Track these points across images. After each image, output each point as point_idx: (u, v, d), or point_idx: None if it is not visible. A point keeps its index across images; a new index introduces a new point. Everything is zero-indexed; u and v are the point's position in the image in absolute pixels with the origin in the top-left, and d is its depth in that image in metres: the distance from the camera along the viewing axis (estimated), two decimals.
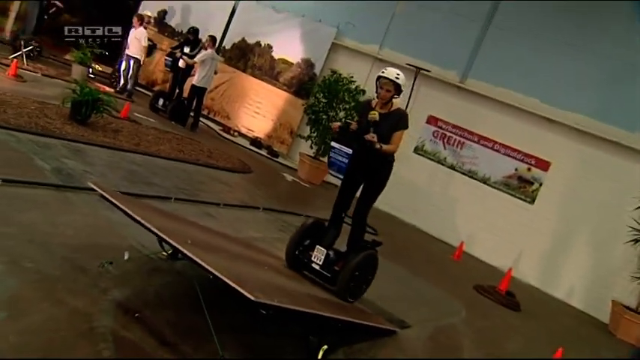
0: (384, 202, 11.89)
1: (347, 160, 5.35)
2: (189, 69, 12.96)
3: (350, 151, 5.34)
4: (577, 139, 10.78)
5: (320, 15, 13.97)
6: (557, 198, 10.91)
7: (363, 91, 12.39)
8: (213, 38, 13.14)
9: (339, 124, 5.57)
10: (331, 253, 5.53)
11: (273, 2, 14.81)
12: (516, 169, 11.32)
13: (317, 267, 5.49)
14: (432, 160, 12.25)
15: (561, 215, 10.82)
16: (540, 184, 11.08)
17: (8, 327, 3.23)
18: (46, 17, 13.66)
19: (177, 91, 13.18)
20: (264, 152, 13.76)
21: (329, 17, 13.88)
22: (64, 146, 7.36)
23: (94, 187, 4.51)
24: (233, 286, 3.48)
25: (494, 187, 11.51)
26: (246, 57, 14.93)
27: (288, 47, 14.38)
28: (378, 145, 5.21)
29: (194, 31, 13.38)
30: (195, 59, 12.69)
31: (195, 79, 12.78)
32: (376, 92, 5.50)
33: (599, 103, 10.70)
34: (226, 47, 15.23)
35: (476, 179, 11.72)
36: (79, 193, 5.80)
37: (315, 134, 12.44)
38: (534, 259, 10.84)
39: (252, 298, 3.42)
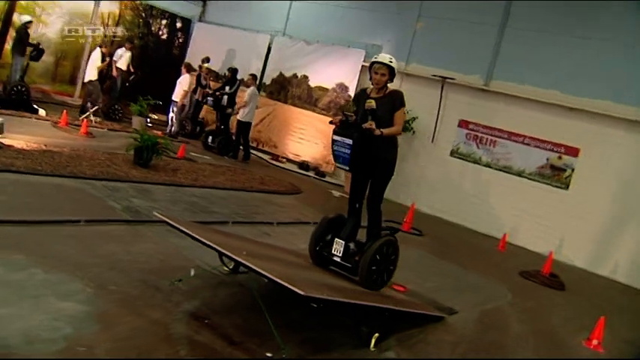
0: (428, 205, 12.28)
1: (349, 151, 5.08)
2: (231, 105, 13.54)
3: (350, 141, 5.06)
4: (600, 122, 10.76)
5: (348, 41, 14.34)
6: (590, 180, 10.88)
7: None
8: (254, 76, 13.73)
9: (339, 117, 5.34)
10: (351, 244, 5.41)
11: (303, 35, 15.32)
12: (548, 159, 11.35)
13: (338, 259, 5.38)
14: (468, 160, 12.37)
15: (596, 196, 10.77)
16: (572, 170, 11.07)
17: (101, 336, 3.63)
18: (127, 84, 14.59)
19: (222, 127, 13.75)
20: (311, 174, 14.11)
21: (356, 42, 14.24)
22: (131, 188, 7.88)
23: (158, 216, 4.92)
24: (284, 284, 3.77)
25: (530, 179, 11.55)
26: (285, 89, 15.41)
27: (323, 75, 14.78)
28: (378, 132, 5.03)
29: (233, 70, 13.97)
30: (245, 99, 13.26)
31: (239, 115, 13.34)
32: (370, 80, 5.45)
33: (616, 87, 10.66)
34: (266, 83, 15.77)
35: (511, 173, 11.79)
36: (148, 225, 6.27)
37: None
38: (576, 242, 10.79)
39: (302, 293, 3.69)
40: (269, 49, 15.95)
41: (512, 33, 12.00)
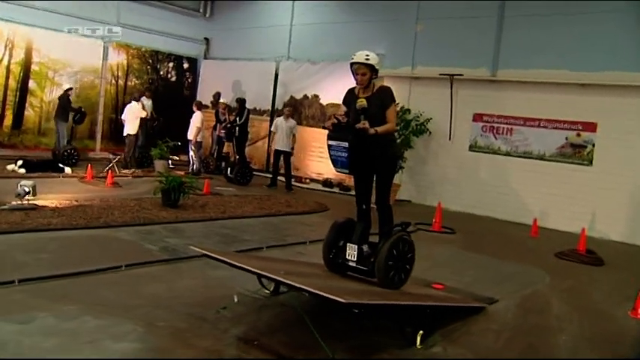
0: (455, 202, 12.35)
1: (346, 154, 4.99)
2: (242, 136, 13.93)
3: (346, 144, 4.97)
4: (613, 93, 10.80)
5: (351, 56, 14.52)
6: (612, 153, 10.90)
7: (408, 110, 12.86)
8: (292, 109, 14.39)
9: (331, 121, 5.24)
10: (364, 247, 5.32)
11: (307, 56, 15.61)
12: (567, 139, 11.40)
13: (353, 264, 5.29)
14: (487, 152, 12.47)
15: (621, 167, 10.79)
16: (593, 145, 11.10)
17: None
18: (152, 131, 15.09)
19: (237, 157, 14.08)
20: (336, 190, 14.28)
21: None
22: (163, 229, 8.15)
23: (196, 249, 5.14)
24: (325, 295, 3.93)
25: (552, 160, 11.60)
26: (298, 111, 15.64)
27: (333, 91, 14.92)
28: (372, 131, 5.01)
29: (241, 100, 14.32)
30: (284, 131, 13.85)
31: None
32: (355, 80, 5.42)
33: (621, 56, 10.71)
34: (279, 108, 16.05)
35: (532, 158, 11.86)
36: (185, 262, 6.50)
37: None
38: (609, 215, 10.78)
39: (343, 300, 3.85)
40: (276, 74, 16.28)
41: (510, 21, 12.18)
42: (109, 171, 12.20)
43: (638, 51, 10.60)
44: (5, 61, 14.23)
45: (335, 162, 5.15)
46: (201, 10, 18.26)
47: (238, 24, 17.33)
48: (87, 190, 10.73)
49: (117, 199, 9.93)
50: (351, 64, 5.36)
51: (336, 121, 5.20)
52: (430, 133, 13.04)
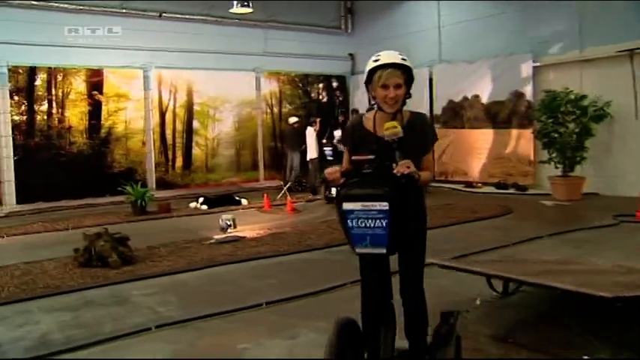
0: None
1: (386, 222, 3.19)
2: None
3: (385, 205, 3.16)
4: None
5: (509, 49, 14.59)
6: None
7: (584, 96, 12.64)
8: None
9: (338, 169, 3.54)
10: None
11: (461, 57, 15.93)
12: None
13: None
14: None
15: None
16: None
17: None
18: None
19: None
20: (511, 190, 14.31)
21: (518, 47, 14.49)
22: None
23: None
24: (586, 292, 4.24)
25: None
26: (459, 114, 15.94)
27: (493, 90, 15.13)
28: (417, 176, 3.28)
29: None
30: None
31: None
32: (373, 99, 3.58)
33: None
34: (437, 114, 16.42)
35: None
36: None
37: (554, 154, 12.84)
38: None
39: (610, 295, 4.13)
40: (430, 79, 16.68)
41: None
42: (287, 198, 13.17)
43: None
44: (171, 106, 15.90)
45: (360, 239, 3.29)
46: (342, 27, 19.23)
47: (382, 35, 17.88)
48: (272, 219, 11.70)
49: (305, 224, 10.80)
50: (374, 71, 3.49)
51: (352, 166, 3.59)
52: (612, 116, 12.72)
